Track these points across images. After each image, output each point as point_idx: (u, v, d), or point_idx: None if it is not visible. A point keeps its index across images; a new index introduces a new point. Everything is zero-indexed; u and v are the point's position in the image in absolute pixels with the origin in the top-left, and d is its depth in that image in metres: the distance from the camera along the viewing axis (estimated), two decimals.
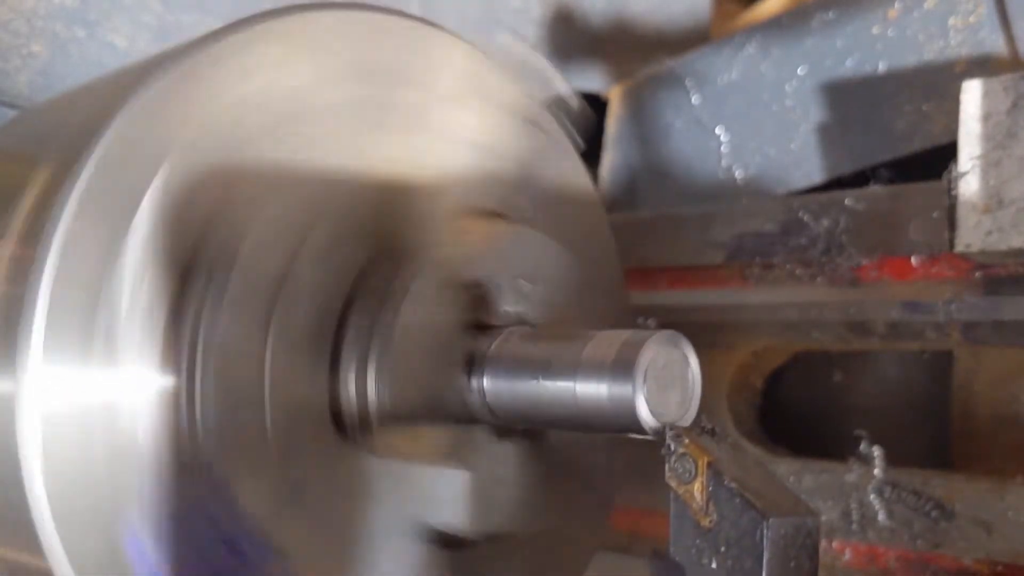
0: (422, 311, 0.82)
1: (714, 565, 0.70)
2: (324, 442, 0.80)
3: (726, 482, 0.69)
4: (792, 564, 0.67)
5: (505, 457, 0.87)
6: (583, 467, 0.96)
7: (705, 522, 0.70)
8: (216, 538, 0.75)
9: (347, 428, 0.81)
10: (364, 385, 0.80)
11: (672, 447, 0.73)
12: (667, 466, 0.73)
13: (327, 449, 0.80)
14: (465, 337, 0.85)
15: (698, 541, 0.71)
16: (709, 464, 0.71)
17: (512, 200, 0.97)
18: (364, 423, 0.80)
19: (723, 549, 0.69)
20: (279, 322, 0.78)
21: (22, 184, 0.79)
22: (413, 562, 0.84)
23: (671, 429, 0.73)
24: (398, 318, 0.80)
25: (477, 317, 0.86)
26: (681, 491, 0.72)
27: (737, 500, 0.69)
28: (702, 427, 0.74)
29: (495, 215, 0.94)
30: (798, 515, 0.68)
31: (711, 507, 0.70)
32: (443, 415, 0.83)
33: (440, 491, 0.82)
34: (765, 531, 0.66)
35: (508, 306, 0.87)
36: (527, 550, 0.95)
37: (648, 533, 1.27)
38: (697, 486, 0.71)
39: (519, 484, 0.89)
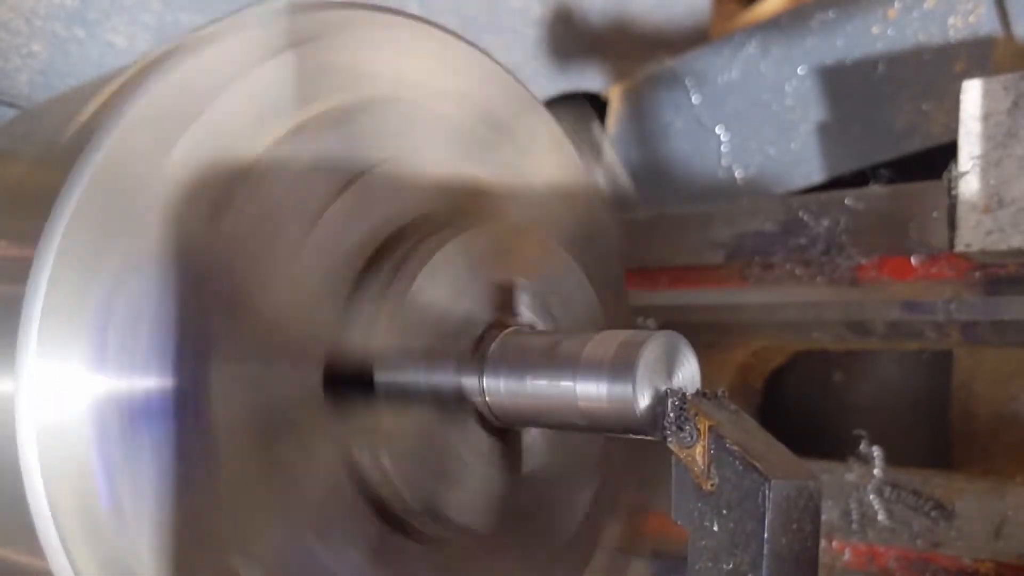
0: (437, 287, 0.82)
1: (716, 528, 0.69)
2: (326, 452, 0.80)
3: (728, 445, 0.69)
4: (794, 527, 0.67)
5: (503, 456, 0.87)
6: (582, 466, 0.96)
7: (707, 486, 0.70)
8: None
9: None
10: (365, 397, 0.80)
11: (674, 412, 0.73)
12: (668, 431, 0.72)
13: (327, 449, 0.80)
14: (473, 331, 0.85)
15: (700, 505, 0.71)
16: (711, 428, 0.70)
17: (538, 215, 0.98)
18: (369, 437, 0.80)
19: (725, 512, 0.69)
20: (278, 326, 0.78)
21: (22, 184, 0.79)
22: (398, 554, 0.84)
23: (674, 394, 0.73)
24: (412, 285, 0.81)
25: (495, 316, 0.86)
26: (683, 456, 0.72)
27: (739, 463, 0.68)
28: (703, 392, 0.74)
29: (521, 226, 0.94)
30: (800, 478, 0.68)
31: (713, 471, 0.70)
32: (442, 412, 0.83)
33: (436, 488, 0.82)
34: (767, 493, 0.66)
35: (525, 313, 0.88)
36: (525, 550, 0.95)
37: (648, 533, 1.27)
38: (699, 450, 0.71)
39: (517, 483, 0.89)
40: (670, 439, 0.72)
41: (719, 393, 0.75)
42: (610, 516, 1.07)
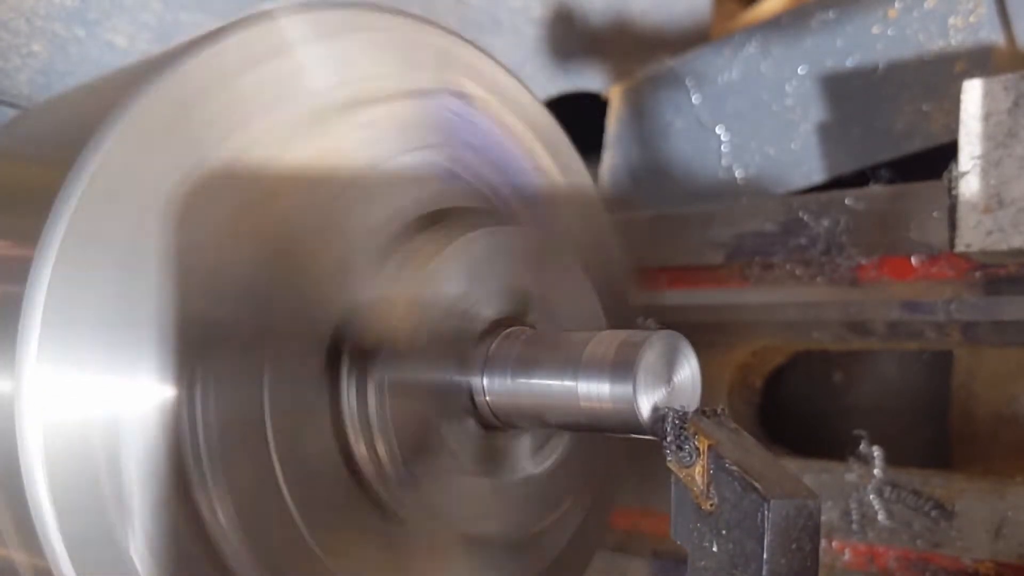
0: (446, 280, 0.82)
1: (715, 548, 0.69)
2: (323, 441, 0.80)
3: (727, 465, 0.69)
4: (793, 546, 0.67)
5: (495, 456, 0.87)
6: (581, 466, 0.96)
7: (706, 505, 0.70)
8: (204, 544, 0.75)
9: (348, 428, 0.81)
10: (365, 389, 0.80)
11: (674, 431, 0.72)
12: (668, 450, 0.72)
13: (325, 448, 0.80)
14: (477, 328, 0.85)
15: (699, 524, 0.71)
16: (710, 447, 0.70)
17: (518, 206, 0.98)
18: (366, 428, 0.80)
19: (724, 532, 0.69)
20: (280, 322, 0.78)
21: (22, 184, 0.79)
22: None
23: (673, 413, 0.73)
24: (423, 274, 0.81)
25: (498, 315, 0.86)
26: (682, 475, 0.72)
27: (738, 483, 0.68)
28: (703, 411, 0.74)
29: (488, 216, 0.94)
30: (799, 497, 0.68)
31: (712, 490, 0.70)
32: (443, 415, 0.83)
33: (428, 481, 0.83)
34: (766, 513, 0.66)
35: (529, 313, 0.88)
36: (524, 550, 0.95)
37: (648, 533, 1.27)
38: (698, 470, 0.71)
39: (518, 484, 0.89)
40: (669, 458, 0.72)
41: (719, 411, 0.75)
42: (602, 534, 1.07)
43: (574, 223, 1.04)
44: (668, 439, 0.73)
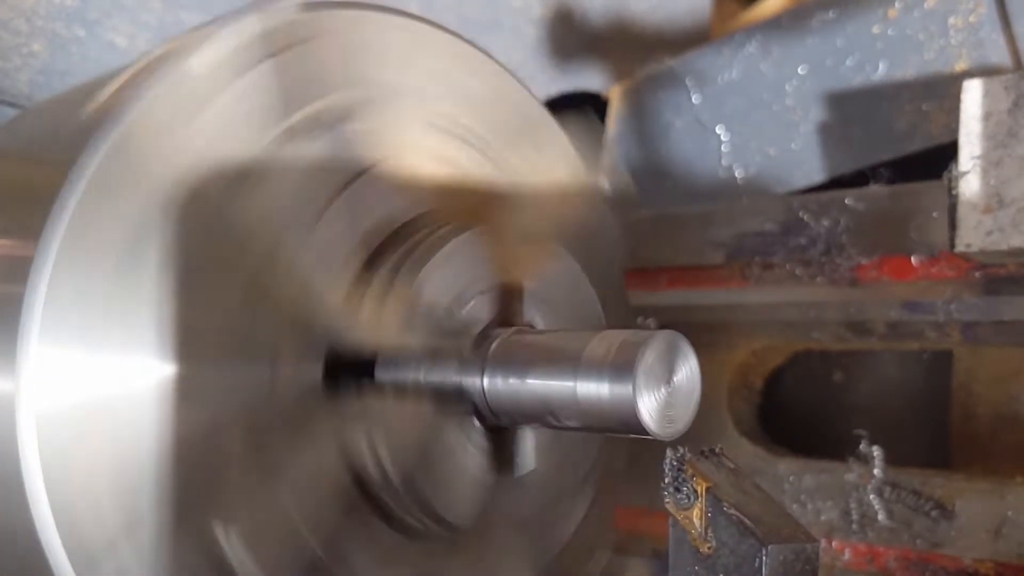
0: (440, 284, 0.82)
1: None
2: (325, 447, 0.80)
3: (725, 508, 0.69)
4: None
5: (498, 456, 0.87)
6: (582, 465, 0.96)
7: (704, 548, 0.70)
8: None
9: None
10: (365, 393, 0.80)
11: (672, 473, 0.72)
12: (666, 492, 0.72)
13: (323, 435, 0.80)
14: (474, 329, 0.85)
15: (697, 568, 0.70)
16: (708, 490, 0.70)
17: (537, 221, 0.98)
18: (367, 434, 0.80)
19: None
20: (277, 327, 0.78)
21: (22, 184, 0.79)
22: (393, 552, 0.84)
23: (672, 454, 0.73)
24: (415, 281, 0.81)
25: (496, 315, 0.86)
26: (680, 517, 0.72)
27: (736, 527, 0.68)
28: (702, 451, 0.74)
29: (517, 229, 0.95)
30: (797, 541, 0.68)
31: (710, 533, 0.70)
32: (441, 408, 0.84)
33: (434, 484, 0.83)
34: (764, 558, 0.66)
35: (526, 312, 0.88)
36: (526, 548, 0.95)
37: (648, 533, 1.27)
38: (696, 512, 0.71)
39: (520, 483, 0.89)
40: (667, 500, 0.72)
41: (717, 450, 0.74)
42: (605, 529, 1.07)
43: (574, 222, 1.04)
44: (666, 481, 0.72)
